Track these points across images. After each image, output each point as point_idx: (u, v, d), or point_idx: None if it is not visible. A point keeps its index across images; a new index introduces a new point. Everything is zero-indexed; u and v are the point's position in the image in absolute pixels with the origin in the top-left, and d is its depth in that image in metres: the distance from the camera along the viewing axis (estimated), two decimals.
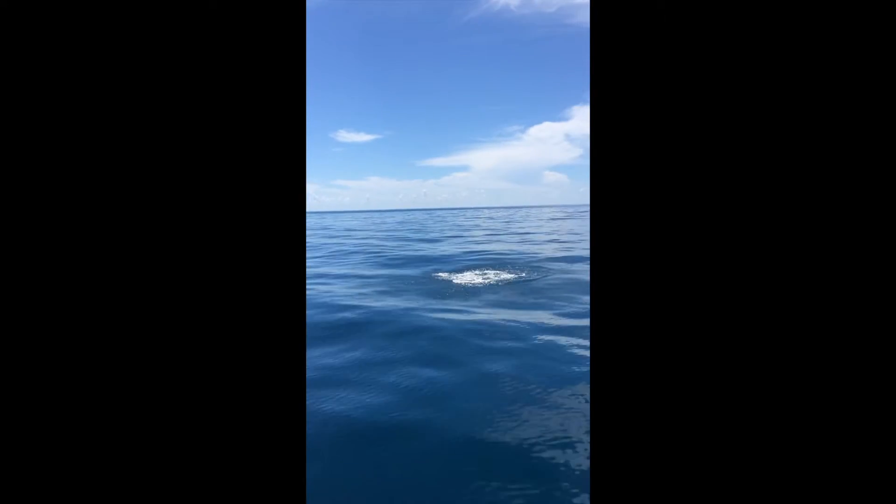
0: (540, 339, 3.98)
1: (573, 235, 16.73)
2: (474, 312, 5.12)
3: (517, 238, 16.45)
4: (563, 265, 8.86)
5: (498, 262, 9.46)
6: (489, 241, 15.23)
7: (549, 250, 11.81)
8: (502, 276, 7.47)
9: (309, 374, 3.26)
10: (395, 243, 15.33)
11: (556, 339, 3.98)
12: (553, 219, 31.10)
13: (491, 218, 40.61)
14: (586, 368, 3.26)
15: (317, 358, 3.60)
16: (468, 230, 22.59)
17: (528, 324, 4.53)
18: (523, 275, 7.63)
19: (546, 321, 4.65)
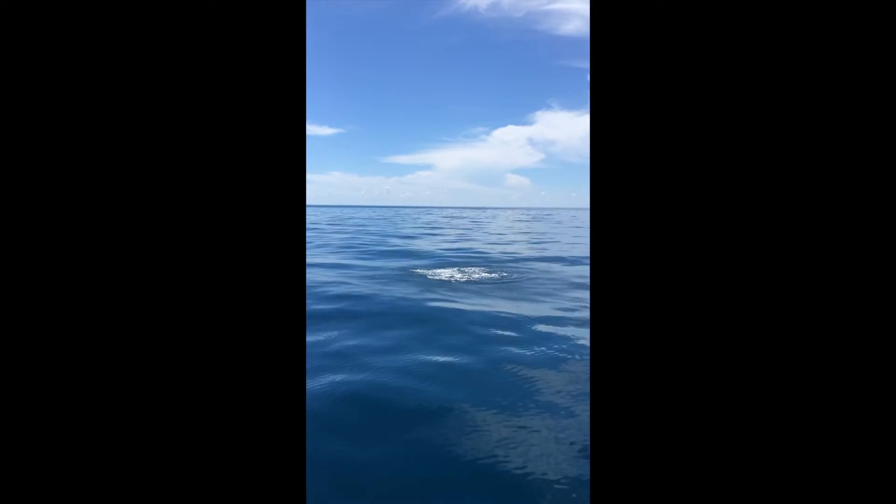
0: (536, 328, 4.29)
1: (544, 237, 16.95)
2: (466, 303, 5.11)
3: (493, 238, 16.51)
4: (544, 265, 8.90)
5: (479, 260, 9.40)
6: (463, 240, 15.17)
7: (524, 250, 11.88)
8: (484, 275, 7.44)
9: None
10: (373, 238, 15.00)
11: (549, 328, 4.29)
12: (519, 220, 31.56)
13: (459, 217, 40.91)
14: (571, 344, 3.74)
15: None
16: (440, 228, 22.48)
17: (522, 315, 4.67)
18: (505, 274, 7.62)
19: (543, 314, 4.77)
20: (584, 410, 2.58)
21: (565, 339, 3.96)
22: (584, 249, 12.24)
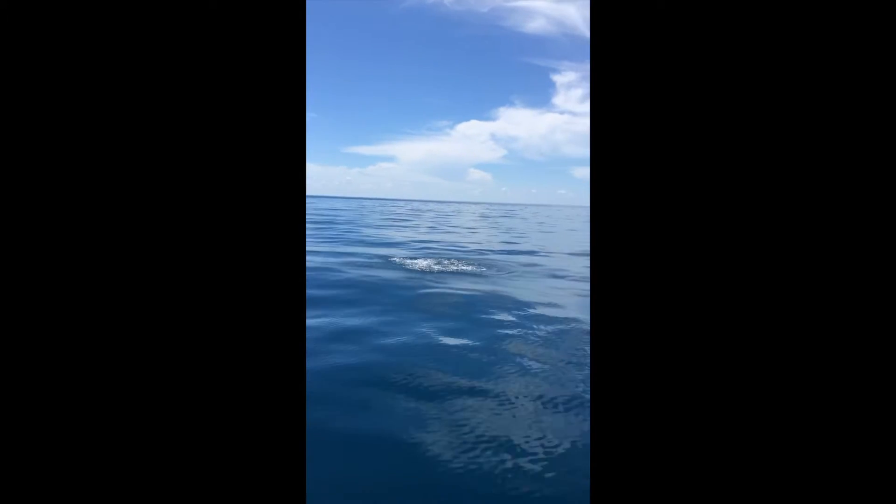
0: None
1: (512, 232, 17.33)
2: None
3: (464, 230, 16.74)
4: (520, 258, 9.22)
5: (454, 253, 9.61)
6: (436, 233, 15.31)
7: (495, 244, 12.20)
8: (461, 267, 7.64)
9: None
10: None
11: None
12: (485, 216, 31.89)
13: (427, 211, 40.78)
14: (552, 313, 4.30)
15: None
16: (408, 221, 22.47)
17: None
18: (484, 268, 7.82)
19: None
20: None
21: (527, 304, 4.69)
22: (557, 243, 12.76)
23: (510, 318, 4.47)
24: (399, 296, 5.29)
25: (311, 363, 3.01)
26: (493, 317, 4.49)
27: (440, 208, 53.05)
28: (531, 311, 4.80)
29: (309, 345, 3.39)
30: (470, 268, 7.59)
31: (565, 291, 6.01)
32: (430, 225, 19.87)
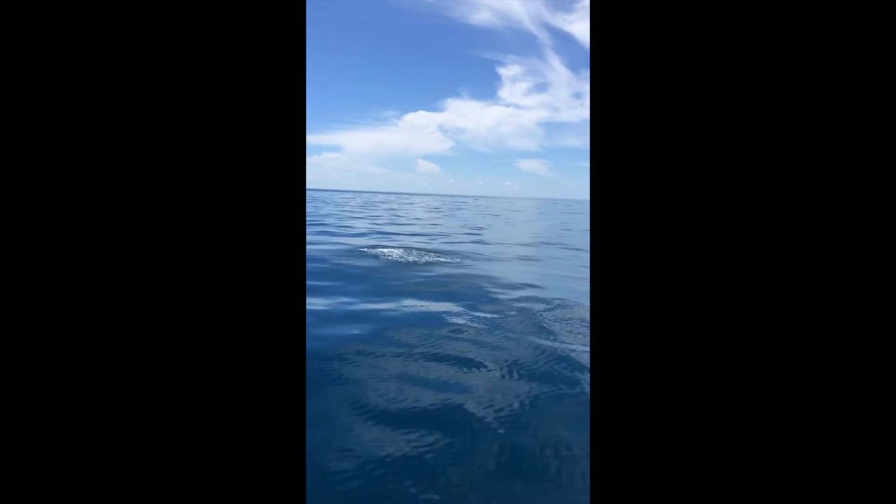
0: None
1: (470, 223, 17.57)
2: None
3: (423, 222, 16.74)
4: (489, 248, 9.41)
5: (420, 242, 9.64)
6: (398, 224, 15.23)
7: (460, 235, 12.36)
8: (432, 258, 7.75)
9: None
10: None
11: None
12: (437, 208, 31.96)
13: (380, 203, 40.26)
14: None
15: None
16: (366, 213, 22.16)
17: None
18: (456, 259, 7.97)
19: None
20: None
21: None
22: (520, 233, 13.07)
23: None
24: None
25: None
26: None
27: (393, 200, 52.51)
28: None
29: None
30: (442, 258, 7.69)
31: (541, 275, 6.26)
32: (389, 219, 19.71)
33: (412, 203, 43.33)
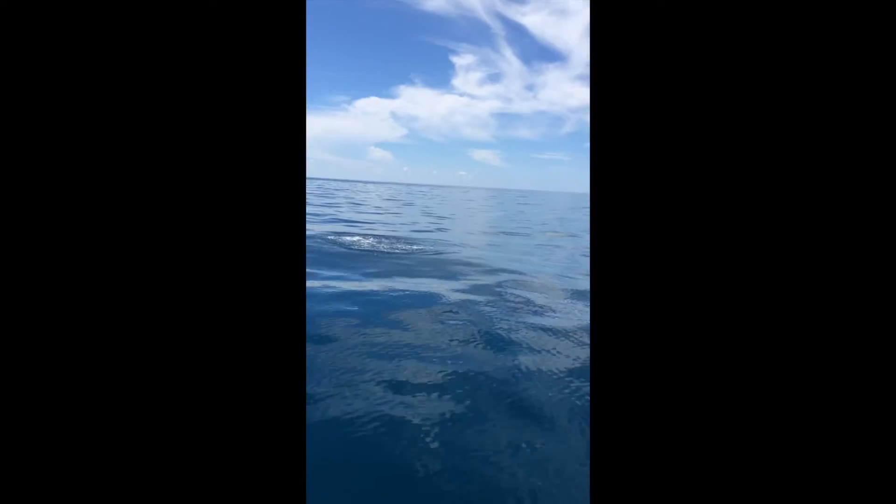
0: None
1: (427, 213, 17.80)
2: None
3: (383, 211, 16.85)
4: (447, 236, 9.80)
5: (380, 233, 9.84)
6: (360, 213, 15.27)
7: (423, 224, 12.67)
8: (397, 246, 7.93)
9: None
10: None
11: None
12: (393, 198, 31.55)
13: (337, 191, 39.14)
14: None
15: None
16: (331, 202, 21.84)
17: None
18: (417, 246, 8.18)
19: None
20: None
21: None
22: (482, 222, 13.47)
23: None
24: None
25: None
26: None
27: (348, 188, 50.67)
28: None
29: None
30: (408, 246, 7.92)
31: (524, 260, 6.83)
32: (354, 212, 19.58)
33: (366, 191, 42.49)
